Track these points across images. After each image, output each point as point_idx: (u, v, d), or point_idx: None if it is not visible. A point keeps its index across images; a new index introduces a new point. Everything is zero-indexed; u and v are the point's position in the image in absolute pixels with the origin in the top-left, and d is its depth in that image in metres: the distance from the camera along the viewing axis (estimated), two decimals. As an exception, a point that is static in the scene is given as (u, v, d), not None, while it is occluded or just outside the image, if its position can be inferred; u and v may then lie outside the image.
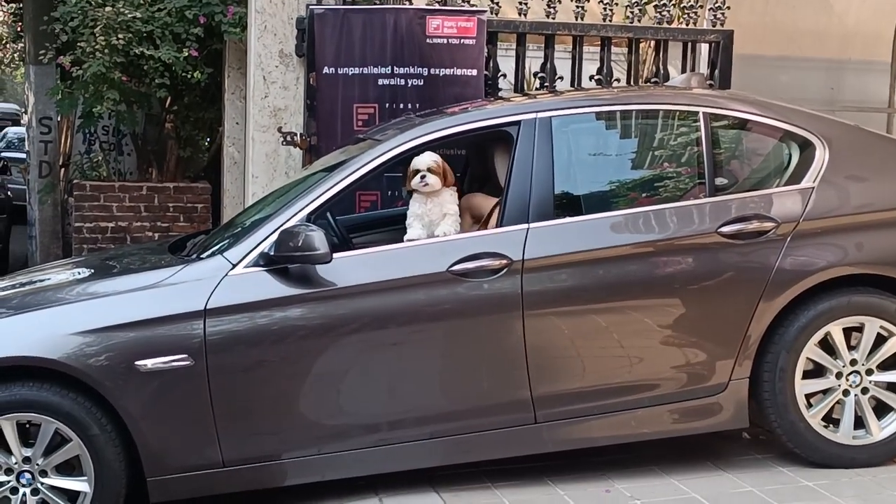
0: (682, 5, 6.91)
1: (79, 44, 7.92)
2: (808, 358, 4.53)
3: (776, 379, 4.50)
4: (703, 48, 6.74)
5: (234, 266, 4.24)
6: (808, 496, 4.32)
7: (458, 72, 6.13)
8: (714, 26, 6.68)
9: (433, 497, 4.42)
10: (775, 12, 9.47)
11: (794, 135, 4.76)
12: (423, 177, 4.59)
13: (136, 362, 4.07)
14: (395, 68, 6.09)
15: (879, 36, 10.02)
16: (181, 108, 9.00)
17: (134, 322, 4.11)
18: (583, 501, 4.33)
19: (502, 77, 6.39)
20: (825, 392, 4.57)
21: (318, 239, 4.13)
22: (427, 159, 4.60)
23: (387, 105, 6.07)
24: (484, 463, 4.57)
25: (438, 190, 4.61)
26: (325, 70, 6.03)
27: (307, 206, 4.37)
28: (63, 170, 9.75)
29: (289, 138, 6.21)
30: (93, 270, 4.86)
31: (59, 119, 9.59)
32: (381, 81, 6.08)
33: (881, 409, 4.62)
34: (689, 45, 6.65)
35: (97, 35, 7.74)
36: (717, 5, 6.69)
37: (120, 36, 7.72)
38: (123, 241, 8.43)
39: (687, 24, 6.73)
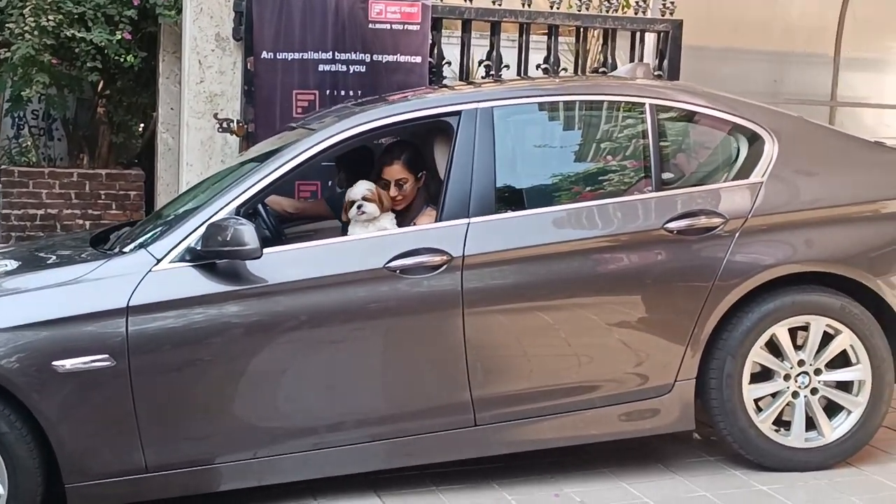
0: (629, -6, 6.81)
1: (7, 25, 7.66)
2: (754, 361, 4.42)
3: (723, 386, 4.39)
4: (650, 38, 6.64)
5: (159, 261, 4.01)
6: (762, 501, 4.24)
7: (402, 58, 5.97)
8: (663, 16, 6.57)
9: (374, 501, 4.28)
10: (720, 3, 9.46)
11: (742, 128, 4.65)
12: (359, 207, 4.47)
13: (54, 363, 3.84)
14: (337, 54, 5.91)
15: (823, 29, 10.09)
16: (114, 93, 8.74)
17: (51, 320, 3.87)
18: (530, 506, 4.20)
19: (447, 65, 6.25)
20: (774, 395, 4.47)
21: (248, 233, 3.92)
22: (361, 189, 4.49)
23: (327, 92, 5.89)
24: (429, 465, 4.41)
25: (377, 217, 4.49)
26: (264, 55, 5.83)
27: (237, 197, 4.15)
28: (-10, 155, 9.45)
29: (225, 125, 6.01)
30: (17, 263, 4.62)
31: (-14, 103, 9.29)
32: (321, 67, 5.89)
33: (832, 409, 4.53)
34: (638, 34, 6.55)
35: (26, 16, 7.48)
36: (665, -6, 6.58)
37: (50, 17, 7.47)
38: (53, 229, 8.16)
39: (636, 13, 6.62)
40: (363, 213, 4.46)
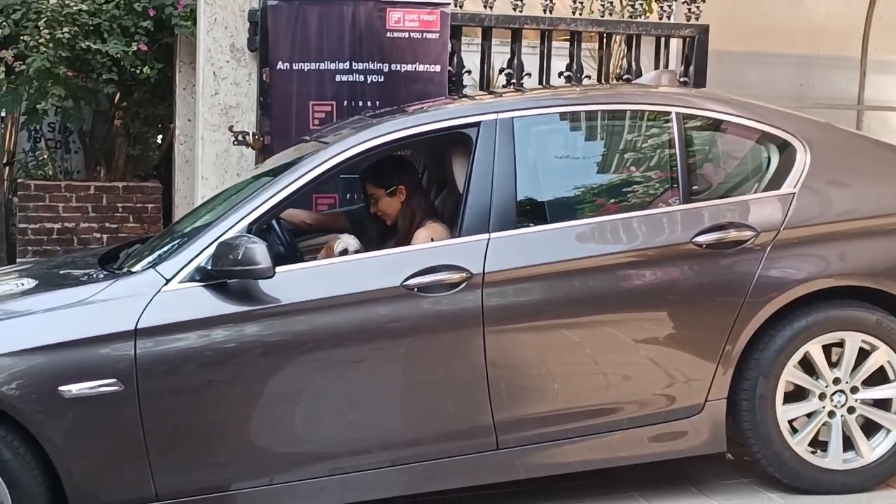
0: (653, -1, 6.67)
1: (22, 37, 7.60)
2: (788, 381, 4.25)
3: (756, 407, 4.22)
4: (675, 44, 6.50)
5: (168, 281, 3.89)
6: (798, 526, 4.09)
7: (421, 68, 5.85)
8: (688, 20, 6.42)
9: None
10: (744, 7, 9.34)
11: (772, 136, 4.48)
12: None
13: (60, 388, 3.72)
14: (354, 64, 5.80)
15: (849, 31, 9.96)
16: (130, 105, 8.67)
17: (57, 344, 3.76)
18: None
19: (467, 73, 6.12)
20: (809, 415, 4.30)
21: (260, 252, 3.79)
22: (350, 243, 4.48)
23: (345, 103, 5.78)
24: (452, 490, 4.25)
25: None
26: (280, 65, 5.73)
27: (248, 214, 4.02)
28: (7, 168, 9.37)
29: (240, 138, 5.91)
30: (35, 281, 4.48)
31: (2, 115, 9.24)
32: (338, 78, 5.78)
33: (870, 429, 4.35)
34: (663, 40, 6.41)
35: (41, 28, 7.44)
36: (691, -1, 6.44)
37: (65, 29, 7.41)
38: (70, 244, 8.08)
39: (660, 18, 6.47)
40: None
